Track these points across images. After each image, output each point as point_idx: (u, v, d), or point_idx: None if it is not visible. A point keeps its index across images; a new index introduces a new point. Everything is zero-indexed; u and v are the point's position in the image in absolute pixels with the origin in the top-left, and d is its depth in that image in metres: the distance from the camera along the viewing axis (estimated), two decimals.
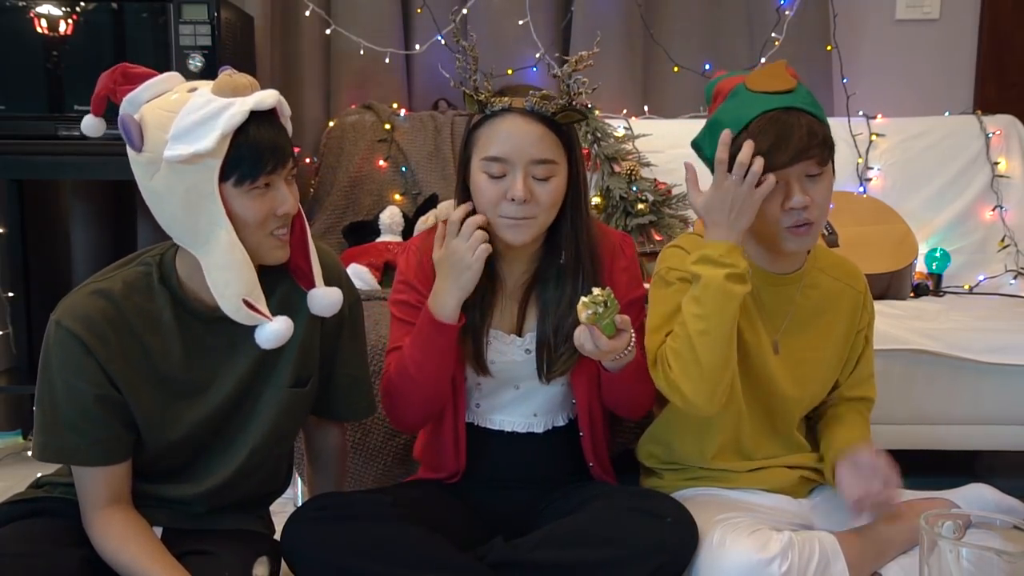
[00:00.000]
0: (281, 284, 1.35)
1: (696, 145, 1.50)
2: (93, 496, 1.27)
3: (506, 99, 1.39)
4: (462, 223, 1.39)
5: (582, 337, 1.33)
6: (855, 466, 1.43)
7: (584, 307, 1.30)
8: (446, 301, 1.40)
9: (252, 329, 1.29)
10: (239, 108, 1.18)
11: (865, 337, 1.61)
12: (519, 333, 1.51)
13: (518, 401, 1.53)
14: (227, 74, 1.22)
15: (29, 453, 2.59)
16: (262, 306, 1.26)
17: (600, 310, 1.30)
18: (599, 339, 1.32)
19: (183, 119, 1.18)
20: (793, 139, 1.38)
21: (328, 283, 1.36)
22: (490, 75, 1.42)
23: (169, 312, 1.29)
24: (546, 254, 1.49)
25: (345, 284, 1.43)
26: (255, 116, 1.20)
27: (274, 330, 1.26)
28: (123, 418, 1.27)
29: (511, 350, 1.50)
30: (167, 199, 1.22)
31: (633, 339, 1.37)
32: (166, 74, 1.26)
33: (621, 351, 1.36)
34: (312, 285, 1.34)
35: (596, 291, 1.30)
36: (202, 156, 1.17)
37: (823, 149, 1.41)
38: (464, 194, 1.45)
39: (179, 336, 1.30)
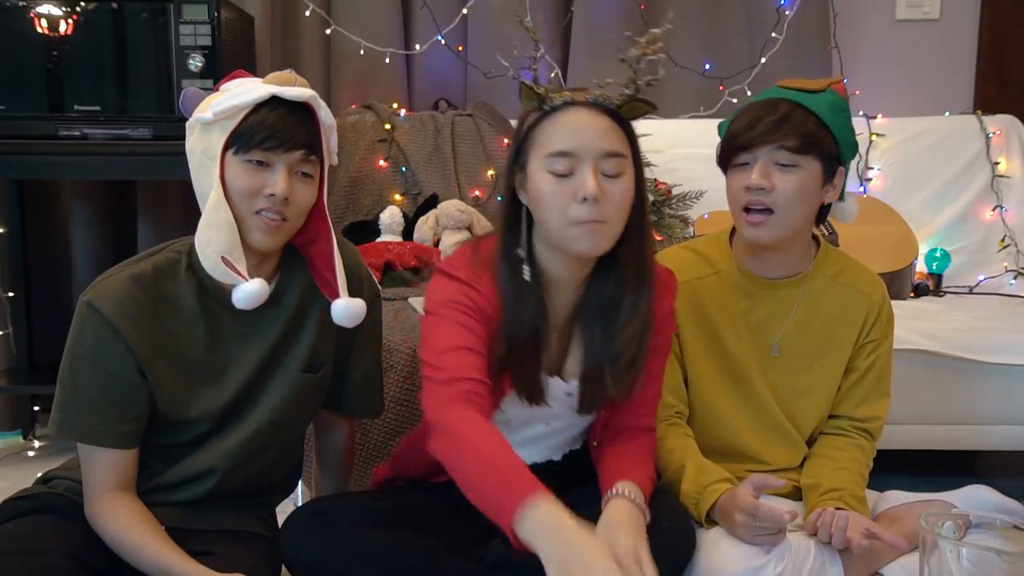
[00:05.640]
0: (300, 274, 1.39)
1: (720, 129, 1.54)
2: (101, 480, 1.29)
3: (567, 93, 1.30)
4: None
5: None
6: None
7: None
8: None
9: (270, 315, 1.35)
10: (264, 89, 1.28)
11: (876, 350, 1.53)
12: (559, 373, 1.38)
13: (546, 437, 1.45)
14: (286, 71, 1.33)
15: (30, 453, 2.58)
16: (241, 267, 1.28)
17: None
18: None
19: (226, 94, 1.29)
20: (763, 121, 1.41)
21: (349, 281, 1.37)
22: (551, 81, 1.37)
23: (193, 297, 1.33)
24: (590, 283, 1.35)
25: (366, 281, 1.46)
26: (280, 102, 1.28)
27: (246, 290, 1.29)
28: (142, 402, 1.30)
29: (551, 392, 1.37)
30: (192, 160, 1.32)
31: None
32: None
33: None
34: (336, 295, 1.36)
35: None
36: (216, 120, 1.27)
37: (796, 139, 1.40)
38: (511, 212, 1.32)
39: (202, 321, 1.33)
